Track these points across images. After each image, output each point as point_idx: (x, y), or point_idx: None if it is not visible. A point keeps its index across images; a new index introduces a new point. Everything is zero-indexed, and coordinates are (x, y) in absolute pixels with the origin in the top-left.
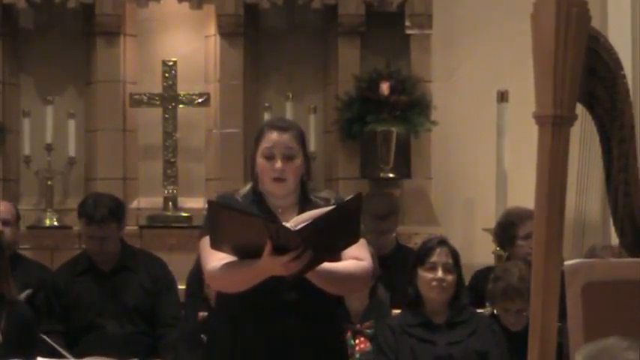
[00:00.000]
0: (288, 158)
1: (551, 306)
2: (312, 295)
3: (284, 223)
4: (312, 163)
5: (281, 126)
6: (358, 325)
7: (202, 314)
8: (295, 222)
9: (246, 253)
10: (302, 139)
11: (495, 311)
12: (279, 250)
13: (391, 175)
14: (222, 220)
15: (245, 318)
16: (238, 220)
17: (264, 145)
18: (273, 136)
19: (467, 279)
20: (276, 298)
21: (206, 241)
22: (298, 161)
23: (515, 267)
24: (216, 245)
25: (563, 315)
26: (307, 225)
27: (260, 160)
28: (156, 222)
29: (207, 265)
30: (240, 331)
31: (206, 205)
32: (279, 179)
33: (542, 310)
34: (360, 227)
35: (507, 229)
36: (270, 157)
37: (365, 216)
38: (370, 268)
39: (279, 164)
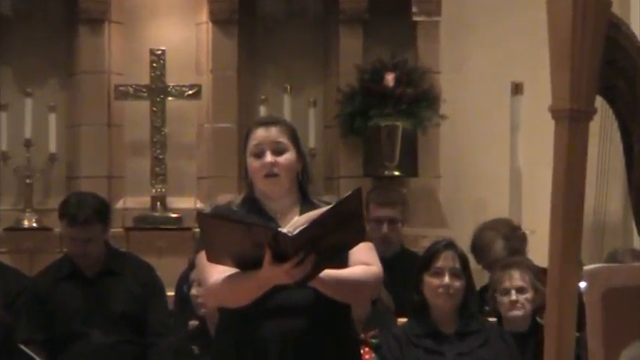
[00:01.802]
0: (277, 152)
1: (568, 315)
2: (321, 299)
3: (280, 229)
4: (310, 162)
5: (267, 121)
6: (362, 335)
7: (193, 323)
8: (293, 226)
9: (247, 263)
10: (293, 135)
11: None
12: (280, 257)
13: (396, 174)
14: (215, 231)
15: (248, 325)
16: (232, 229)
17: (252, 143)
18: (260, 132)
19: (478, 285)
20: (284, 302)
21: (203, 255)
22: (290, 155)
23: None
24: (213, 258)
25: (581, 324)
26: (305, 228)
27: (250, 160)
28: (143, 223)
29: (208, 282)
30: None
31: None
32: (270, 175)
33: (558, 319)
34: (364, 225)
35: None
36: (259, 155)
37: (368, 206)
38: (380, 273)
39: (268, 158)
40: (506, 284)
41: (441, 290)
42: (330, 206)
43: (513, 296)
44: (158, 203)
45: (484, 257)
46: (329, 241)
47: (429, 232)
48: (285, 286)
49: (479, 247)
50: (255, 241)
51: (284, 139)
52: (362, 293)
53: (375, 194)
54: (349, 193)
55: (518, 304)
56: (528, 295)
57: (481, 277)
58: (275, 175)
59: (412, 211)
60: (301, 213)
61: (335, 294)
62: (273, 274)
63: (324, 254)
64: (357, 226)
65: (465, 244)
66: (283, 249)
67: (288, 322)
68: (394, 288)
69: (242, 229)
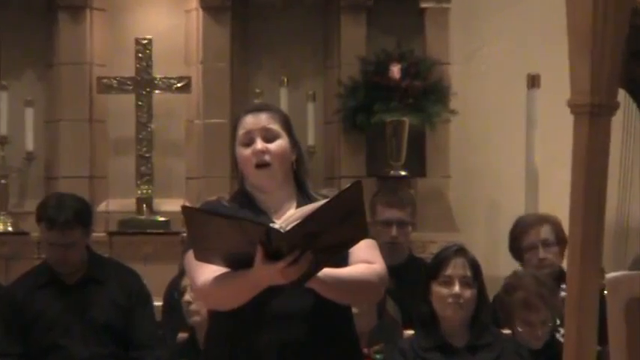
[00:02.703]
0: (269, 139)
1: (588, 326)
2: (322, 305)
3: (272, 224)
4: (309, 161)
5: (256, 107)
6: (366, 349)
7: (182, 335)
8: (286, 221)
9: (239, 262)
10: (285, 121)
11: (516, 329)
12: (273, 255)
13: (402, 174)
14: (203, 228)
15: (243, 333)
16: (220, 225)
17: (241, 132)
18: (248, 119)
19: (491, 294)
20: (281, 308)
21: (191, 254)
22: (282, 142)
23: (528, 274)
24: (201, 257)
25: (603, 337)
26: (300, 223)
27: (240, 150)
28: (128, 227)
29: (196, 282)
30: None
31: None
32: (261, 164)
33: (577, 331)
34: (366, 220)
35: (513, 242)
36: (249, 143)
37: (375, 208)
38: (384, 272)
39: (259, 145)
40: (531, 317)
41: (450, 300)
42: (327, 200)
43: (539, 331)
44: (144, 205)
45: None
46: (327, 238)
47: (437, 236)
48: (281, 287)
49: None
50: (246, 238)
51: (275, 126)
52: (364, 294)
53: (383, 195)
54: (348, 185)
55: (539, 333)
56: (550, 324)
57: (494, 286)
58: (267, 165)
59: (420, 215)
60: (298, 207)
61: (335, 295)
62: (265, 274)
63: (322, 252)
64: (358, 221)
65: (477, 249)
66: (276, 246)
67: (286, 331)
68: (401, 298)
69: (232, 225)
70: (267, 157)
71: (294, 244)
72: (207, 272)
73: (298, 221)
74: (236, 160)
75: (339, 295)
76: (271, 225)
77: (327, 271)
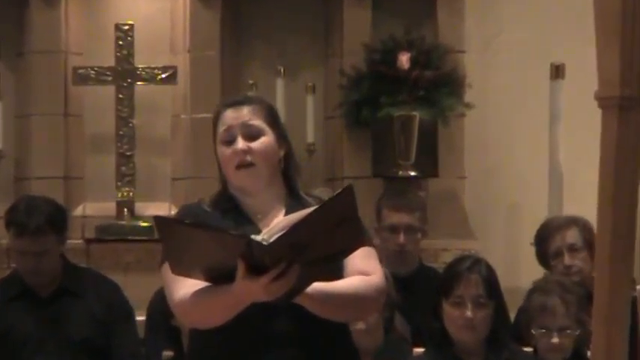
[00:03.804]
0: (251, 137)
1: (618, 339)
2: (311, 324)
3: (253, 236)
4: (308, 160)
5: (236, 100)
6: None
7: (167, 354)
8: (270, 232)
9: (221, 276)
10: (270, 114)
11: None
12: (257, 269)
13: (412, 174)
14: (178, 239)
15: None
16: (197, 236)
17: (221, 128)
18: (228, 114)
19: (511, 306)
20: (265, 329)
21: (167, 266)
22: (266, 139)
23: (555, 278)
24: (178, 270)
25: (633, 351)
26: (284, 234)
27: (219, 149)
28: (107, 234)
29: (173, 298)
30: None
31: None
32: (243, 164)
33: (606, 344)
34: (362, 228)
35: (539, 248)
36: (230, 141)
37: (381, 212)
38: (382, 284)
39: (240, 144)
40: (547, 321)
41: (461, 322)
42: (315, 207)
43: (555, 338)
44: (125, 210)
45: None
46: (316, 250)
47: (451, 243)
48: (267, 304)
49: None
50: (227, 251)
51: (257, 121)
52: (359, 311)
53: (389, 198)
54: (339, 191)
55: (557, 344)
56: (569, 331)
57: (515, 298)
58: (250, 165)
59: (431, 220)
60: (287, 212)
61: (326, 313)
62: (247, 290)
63: (311, 265)
64: (351, 229)
65: (495, 258)
66: (259, 260)
67: (276, 356)
68: (410, 313)
69: (210, 237)
70: (249, 158)
71: (279, 257)
72: (186, 287)
73: (283, 232)
74: (218, 160)
75: (331, 313)
76: (253, 237)
77: (316, 286)
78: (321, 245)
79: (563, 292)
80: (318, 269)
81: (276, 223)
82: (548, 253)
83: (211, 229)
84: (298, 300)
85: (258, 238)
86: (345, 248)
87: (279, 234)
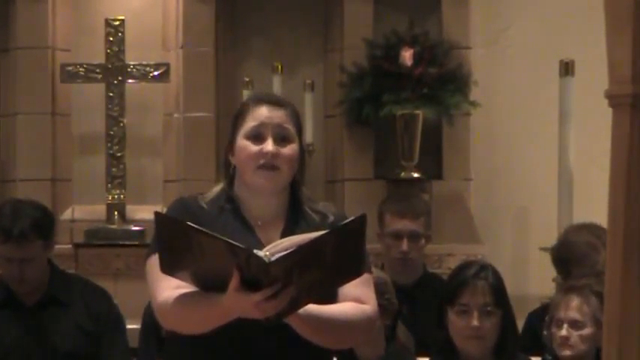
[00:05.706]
0: (282, 140)
1: (630, 348)
2: (293, 346)
3: (255, 251)
4: (307, 161)
5: (273, 99)
6: None
7: None
8: (273, 249)
9: (210, 282)
10: (299, 123)
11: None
12: (250, 284)
13: (416, 176)
14: (174, 238)
15: None
16: (195, 239)
17: (250, 123)
18: (263, 111)
19: (519, 314)
20: (248, 344)
21: (155, 261)
22: (295, 147)
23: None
24: (167, 269)
25: None
26: (288, 254)
27: (243, 143)
28: (96, 238)
29: (157, 297)
30: None
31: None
32: (269, 166)
33: (618, 353)
34: (365, 256)
35: (561, 264)
36: (257, 138)
37: (384, 218)
38: (375, 315)
39: (270, 146)
40: (561, 314)
41: (467, 332)
42: (324, 233)
43: (564, 331)
44: (115, 213)
45: (579, 272)
46: (314, 275)
47: (456, 249)
48: (252, 321)
49: (572, 259)
50: (221, 258)
51: (290, 126)
52: (348, 338)
53: (393, 203)
54: (351, 218)
55: (570, 341)
56: (585, 331)
57: (523, 306)
58: (274, 169)
59: (436, 224)
60: (287, 223)
61: (313, 336)
62: (238, 304)
63: (306, 289)
64: (355, 258)
65: (502, 262)
66: (256, 275)
67: None
68: (414, 322)
69: (210, 242)
70: (276, 162)
71: (275, 276)
72: (171, 287)
73: (287, 252)
74: (228, 152)
75: (318, 337)
76: (255, 251)
77: (308, 309)
78: (321, 270)
79: (582, 290)
80: (313, 292)
81: (280, 241)
82: (572, 272)
83: (214, 235)
84: (288, 320)
85: (260, 253)
86: (345, 275)
87: (283, 253)
